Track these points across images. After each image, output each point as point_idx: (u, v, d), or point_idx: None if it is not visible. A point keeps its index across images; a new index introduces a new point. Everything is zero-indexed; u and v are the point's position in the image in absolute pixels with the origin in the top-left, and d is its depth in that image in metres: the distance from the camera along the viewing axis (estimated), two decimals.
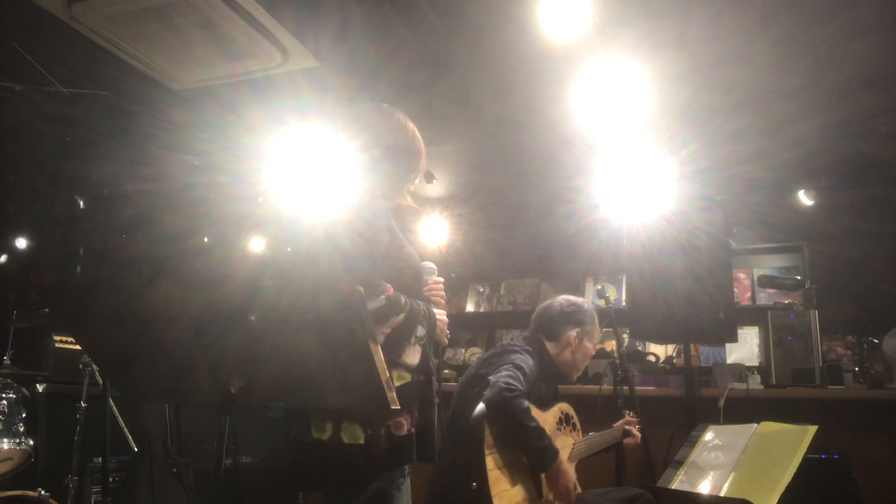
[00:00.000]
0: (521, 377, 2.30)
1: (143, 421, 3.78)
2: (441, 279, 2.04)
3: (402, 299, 1.82)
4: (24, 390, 3.32)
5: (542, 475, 2.29)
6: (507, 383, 2.23)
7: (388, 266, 1.88)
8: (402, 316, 1.80)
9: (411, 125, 2.06)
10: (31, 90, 3.66)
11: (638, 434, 2.77)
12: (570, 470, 2.34)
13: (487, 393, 2.23)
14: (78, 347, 3.62)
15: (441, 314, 1.97)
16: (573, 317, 2.66)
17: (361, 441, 1.71)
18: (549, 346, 2.64)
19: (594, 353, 2.78)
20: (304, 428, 1.77)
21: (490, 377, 2.30)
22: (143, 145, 4.32)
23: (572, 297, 2.76)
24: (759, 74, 3.49)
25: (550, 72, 3.49)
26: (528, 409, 2.23)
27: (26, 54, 3.41)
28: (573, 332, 2.64)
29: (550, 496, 2.31)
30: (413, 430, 1.78)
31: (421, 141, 2.08)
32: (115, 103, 3.92)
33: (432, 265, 2.04)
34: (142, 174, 4.36)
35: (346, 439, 1.72)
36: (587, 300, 2.87)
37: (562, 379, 2.70)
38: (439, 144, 4.36)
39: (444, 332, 1.97)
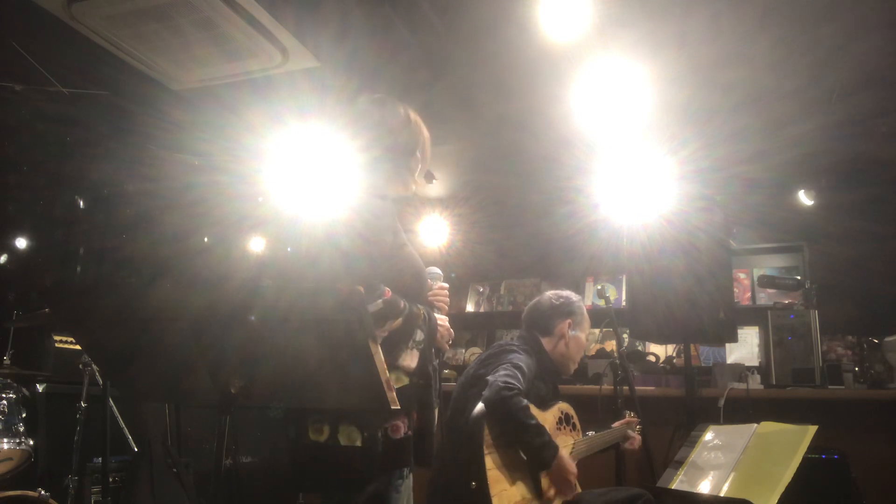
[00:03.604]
0: (520, 376, 2.31)
1: (143, 421, 3.78)
2: (446, 285, 2.03)
3: (402, 303, 1.79)
4: (24, 390, 3.31)
5: (542, 474, 2.30)
6: (505, 382, 2.23)
7: (388, 266, 1.88)
8: (399, 320, 1.78)
9: (412, 115, 2.05)
10: (31, 90, 3.66)
11: (638, 437, 2.77)
12: (571, 463, 2.34)
13: (486, 392, 2.24)
14: (78, 347, 3.61)
15: (443, 320, 1.96)
16: (563, 308, 2.70)
17: (358, 443, 1.71)
18: (545, 341, 2.66)
19: (587, 343, 2.80)
20: (303, 430, 1.77)
21: (489, 377, 2.31)
22: (143, 145, 4.31)
23: (560, 291, 2.79)
24: (759, 74, 3.49)
25: (550, 72, 3.49)
26: (527, 408, 2.23)
27: (26, 54, 3.41)
28: (565, 324, 2.67)
29: (550, 494, 2.31)
30: (410, 432, 1.78)
31: (424, 129, 2.07)
32: (115, 103, 3.92)
33: (437, 270, 2.04)
34: (142, 174, 4.35)
35: (343, 441, 1.72)
36: (585, 298, 2.88)
37: (560, 374, 2.72)
38: (439, 144, 4.32)
39: (444, 338, 1.95)
